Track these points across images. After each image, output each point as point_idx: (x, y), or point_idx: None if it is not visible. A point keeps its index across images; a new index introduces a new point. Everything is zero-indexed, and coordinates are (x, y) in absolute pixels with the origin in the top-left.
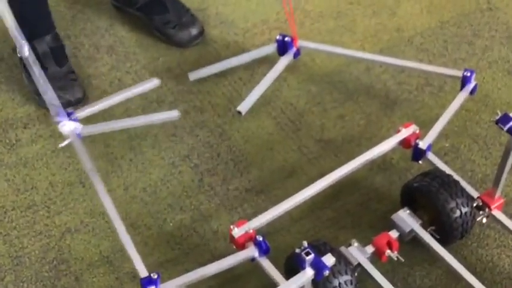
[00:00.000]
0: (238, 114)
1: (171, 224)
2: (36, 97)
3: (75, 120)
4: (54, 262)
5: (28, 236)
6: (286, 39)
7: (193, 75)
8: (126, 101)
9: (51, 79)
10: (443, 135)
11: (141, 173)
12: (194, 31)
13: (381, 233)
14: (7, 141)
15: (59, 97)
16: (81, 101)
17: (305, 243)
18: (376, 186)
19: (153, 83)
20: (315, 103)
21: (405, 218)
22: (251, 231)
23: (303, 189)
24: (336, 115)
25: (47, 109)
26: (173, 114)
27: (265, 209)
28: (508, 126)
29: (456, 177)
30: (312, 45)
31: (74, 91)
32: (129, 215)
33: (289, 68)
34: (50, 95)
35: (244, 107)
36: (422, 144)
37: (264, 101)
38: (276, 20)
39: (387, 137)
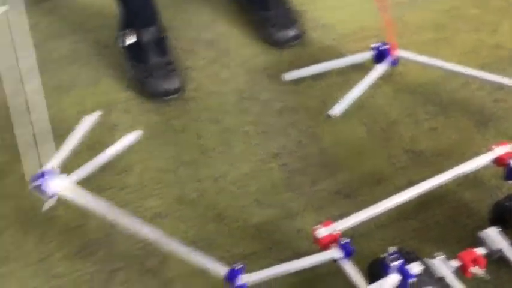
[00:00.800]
0: (329, 118)
1: (256, 219)
2: (138, 85)
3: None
4: (143, 243)
5: None
6: (383, 47)
7: (289, 76)
8: None
9: (152, 68)
10: None
11: (230, 166)
12: (292, 32)
13: (467, 249)
14: (107, 124)
15: (157, 86)
16: (179, 91)
17: (393, 248)
18: (465, 202)
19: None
20: (408, 114)
21: (494, 236)
22: (336, 232)
23: (391, 197)
24: (428, 127)
25: (148, 97)
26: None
27: (351, 213)
28: None
29: None
30: (410, 55)
31: (173, 81)
32: (217, 205)
33: (385, 76)
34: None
35: (335, 111)
36: None
37: (357, 106)
38: (375, 28)
39: (479, 154)
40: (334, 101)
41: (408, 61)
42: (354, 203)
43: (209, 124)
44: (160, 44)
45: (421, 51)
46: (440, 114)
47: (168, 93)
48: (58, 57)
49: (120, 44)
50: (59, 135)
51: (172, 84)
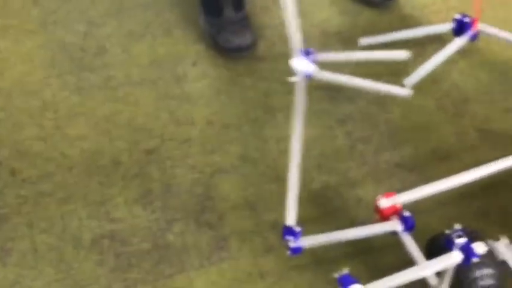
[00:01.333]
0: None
1: (317, 184)
2: (210, 38)
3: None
4: (201, 197)
5: (180, 167)
6: (465, 19)
7: (364, 41)
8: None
9: (226, 22)
10: None
11: None
12: None
13: None
14: (176, 75)
15: (229, 41)
16: (251, 48)
17: (457, 226)
18: None
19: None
20: (483, 92)
21: None
22: (398, 204)
23: (458, 174)
24: (502, 107)
25: (219, 51)
26: (404, 91)
27: (413, 187)
28: None
29: None
30: (491, 30)
31: (246, 37)
32: (277, 167)
33: (462, 51)
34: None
35: (410, 81)
36: None
37: (430, 80)
38: (457, 1)
39: None
40: (408, 72)
41: (488, 37)
42: (417, 177)
43: (277, 84)
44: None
45: (502, 28)
46: None
47: (240, 48)
48: (132, 4)
49: None
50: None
51: (245, 40)
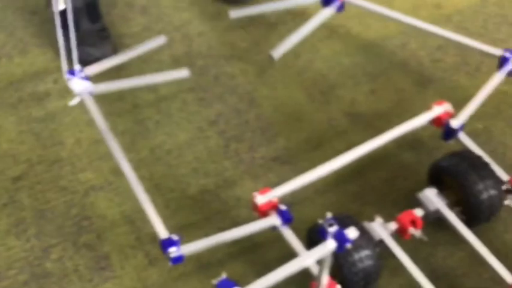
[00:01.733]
0: (271, 60)
1: (194, 189)
2: (69, 53)
3: (85, 78)
4: (77, 218)
5: (52, 190)
6: None
7: (235, 14)
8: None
9: (84, 35)
10: (476, 116)
11: (167, 135)
12: None
13: (406, 211)
14: (37, 95)
15: (89, 54)
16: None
17: (329, 215)
18: (404, 164)
19: (160, 40)
20: (347, 76)
21: (431, 196)
22: (275, 199)
23: (329, 161)
24: (367, 89)
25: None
26: (183, 73)
27: (290, 179)
28: None
29: (487, 159)
30: (357, 1)
31: (105, 48)
32: (153, 176)
33: (323, 39)
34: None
35: (278, 52)
36: (455, 124)
37: (295, 71)
38: None
39: (418, 115)
40: (275, 65)
41: (353, 12)
42: (293, 169)
43: (146, 93)
44: (92, 10)
45: (362, 15)
46: (379, 76)
47: (99, 61)
48: None
49: (53, 10)
50: None
51: (105, 52)
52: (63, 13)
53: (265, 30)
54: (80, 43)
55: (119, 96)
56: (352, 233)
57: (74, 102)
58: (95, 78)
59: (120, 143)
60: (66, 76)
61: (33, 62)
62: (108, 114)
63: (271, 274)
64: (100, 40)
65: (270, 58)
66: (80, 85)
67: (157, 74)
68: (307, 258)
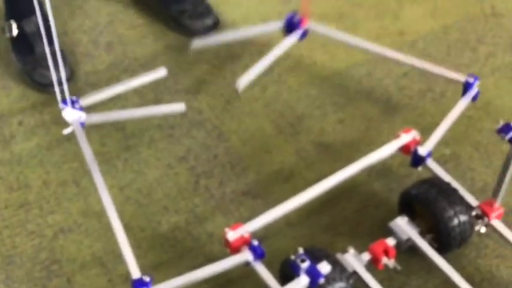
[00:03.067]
0: (236, 94)
1: (165, 227)
2: (27, 78)
3: (80, 109)
4: (46, 262)
5: (20, 235)
6: (295, 18)
7: (197, 44)
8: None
9: (39, 59)
10: (443, 142)
11: (136, 174)
12: (210, 21)
13: (378, 240)
14: (1, 137)
15: (45, 76)
16: (69, 80)
17: (300, 250)
18: (375, 193)
19: (161, 73)
20: (315, 106)
21: (403, 225)
22: (246, 234)
23: (299, 194)
24: (335, 119)
25: (37, 88)
26: (179, 106)
27: (262, 213)
28: (509, 135)
29: (455, 185)
30: (320, 28)
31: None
32: (123, 216)
33: (289, 70)
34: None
35: (242, 82)
36: (422, 151)
37: (263, 103)
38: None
39: (387, 143)
40: (240, 97)
41: (317, 41)
42: (265, 202)
43: (113, 131)
44: (46, 33)
45: (326, 41)
46: (347, 105)
47: (58, 83)
48: None
49: (7, 35)
50: None
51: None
52: (18, 38)
53: (231, 62)
54: (37, 66)
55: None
56: (324, 267)
57: (67, 131)
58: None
59: (88, 183)
60: (60, 105)
61: None
62: (72, 155)
63: None
64: (56, 62)
65: (236, 89)
66: (73, 115)
67: (153, 106)
68: None
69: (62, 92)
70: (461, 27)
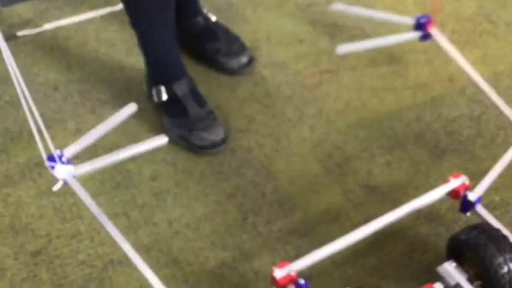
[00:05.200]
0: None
1: (212, 262)
2: (182, 142)
3: (67, 163)
4: None
5: (71, 265)
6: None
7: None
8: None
9: (194, 121)
10: (493, 188)
11: (185, 209)
12: (245, 59)
13: (426, 285)
14: None
15: (203, 139)
16: (225, 141)
17: None
18: (422, 236)
19: (131, 108)
20: (363, 148)
21: (451, 271)
22: (293, 273)
23: (346, 234)
24: (383, 162)
25: (194, 151)
26: (162, 140)
27: (308, 252)
28: None
29: (505, 231)
30: (441, 39)
31: (217, 131)
32: (171, 250)
33: (338, 112)
34: None
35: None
36: (472, 196)
37: (311, 143)
38: (327, 63)
39: (434, 187)
40: (289, 138)
41: (367, 80)
42: (311, 241)
43: (163, 166)
44: (196, 95)
45: (376, 84)
46: (395, 148)
47: (215, 145)
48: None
49: (156, 100)
50: None
51: (217, 133)
52: (168, 102)
53: (282, 102)
54: (192, 128)
55: (137, 169)
56: None
57: (56, 187)
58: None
59: (138, 215)
60: (47, 163)
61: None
62: (125, 189)
63: None
64: (210, 123)
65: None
66: (62, 171)
67: (136, 144)
68: None
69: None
70: (510, 74)
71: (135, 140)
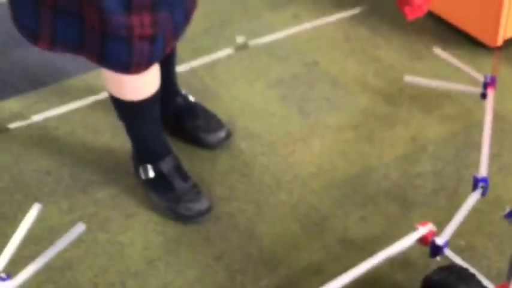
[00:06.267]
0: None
1: None
2: (170, 213)
3: (6, 279)
4: None
5: None
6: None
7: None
8: None
9: (180, 194)
10: (458, 234)
11: (177, 273)
12: (223, 133)
13: None
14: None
15: (189, 209)
16: (210, 210)
17: None
18: (397, 283)
19: (79, 229)
20: (337, 206)
21: None
22: None
23: (326, 284)
24: (357, 217)
25: (182, 220)
26: (79, 228)
27: None
28: None
29: (472, 270)
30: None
31: (202, 201)
32: None
33: (312, 175)
34: None
35: None
36: (439, 241)
37: (290, 206)
38: (299, 132)
39: (406, 236)
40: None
41: (337, 146)
42: None
43: (154, 236)
44: (180, 171)
45: (346, 149)
46: (367, 204)
47: (200, 214)
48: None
49: (143, 177)
50: None
51: (203, 203)
52: (155, 179)
53: (259, 171)
54: (179, 201)
55: (129, 241)
56: None
57: None
58: None
59: (133, 284)
60: None
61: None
62: (117, 259)
63: None
64: (195, 195)
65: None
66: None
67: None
68: None
69: None
70: (468, 132)
71: (126, 214)
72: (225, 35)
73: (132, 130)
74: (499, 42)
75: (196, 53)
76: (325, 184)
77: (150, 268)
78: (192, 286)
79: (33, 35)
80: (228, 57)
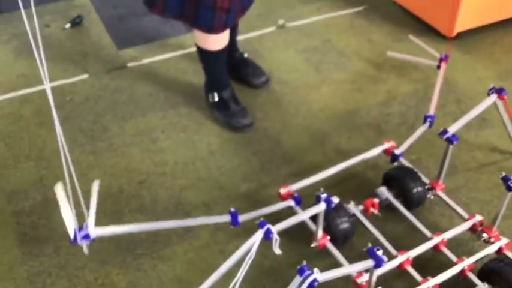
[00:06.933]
0: None
1: (243, 188)
2: (226, 125)
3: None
4: (176, 206)
5: (161, 189)
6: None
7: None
8: None
9: (233, 113)
10: (412, 152)
11: (227, 160)
12: (263, 79)
13: (368, 199)
14: (152, 139)
15: (239, 122)
16: (252, 125)
17: (321, 189)
18: (369, 177)
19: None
20: (334, 129)
21: (384, 191)
22: (291, 191)
23: (323, 171)
24: (346, 137)
25: (234, 130)
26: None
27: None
28: (445, 136)
29: (416, 170)
30: None
31: (247, 118)
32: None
33: (320, 109)
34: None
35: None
36: (397, 152)
37: (304, 126)
38: (314, 82)
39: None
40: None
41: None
42: (302, 178)
43: (214, 137)
44: (235, 98)
45: (343, 96)
46: (354, 130)
47: (246, 126)
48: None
49: (211, 101)
50: None
51: (248, 120)
52: (219, 102)
53: (286, 104)
54: (233, 116)
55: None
56: (335, 199)
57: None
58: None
59: (200, 164)
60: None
61: (148, 121)
62: (192, 147)
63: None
64: (244, 114)
65: None
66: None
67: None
68: (304, 214)
69: None
70: (426, 90)
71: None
72: (271, 18)
73: (208, 69)
74: (454, 33)
75: (250, 29)
76: (328, 115)
77: (210, 156)
78: (236, 169)
79: (150, 4)
80: (271, 33)
